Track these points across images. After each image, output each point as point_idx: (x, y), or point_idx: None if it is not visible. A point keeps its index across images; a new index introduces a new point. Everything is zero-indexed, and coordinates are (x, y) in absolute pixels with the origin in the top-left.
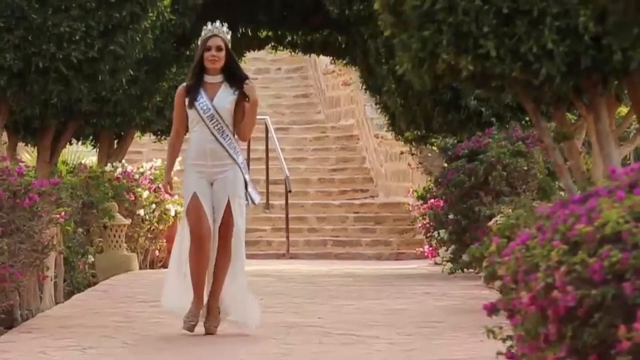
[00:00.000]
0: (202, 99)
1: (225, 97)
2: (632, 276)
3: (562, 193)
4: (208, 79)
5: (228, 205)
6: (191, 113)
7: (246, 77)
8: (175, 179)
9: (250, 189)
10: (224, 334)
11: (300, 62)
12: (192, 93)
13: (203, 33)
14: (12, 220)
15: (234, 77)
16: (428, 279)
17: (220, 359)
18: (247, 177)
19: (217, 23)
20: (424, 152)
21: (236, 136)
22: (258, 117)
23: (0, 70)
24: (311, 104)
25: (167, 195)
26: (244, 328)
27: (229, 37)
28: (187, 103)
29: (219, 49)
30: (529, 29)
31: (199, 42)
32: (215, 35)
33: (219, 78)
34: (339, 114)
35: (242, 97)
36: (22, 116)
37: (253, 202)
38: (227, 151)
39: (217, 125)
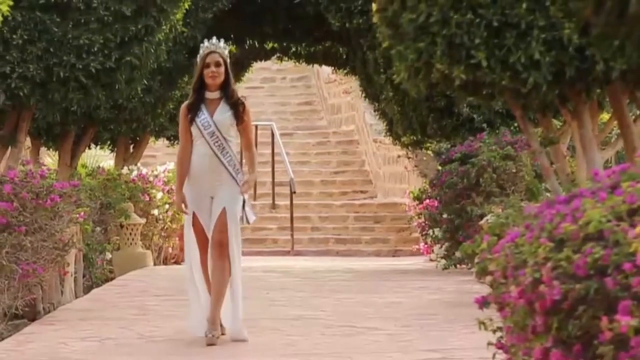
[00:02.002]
0: (204, 115)
1: (225, 113)
2: (614, 271)
3: (548, 194)
4: (208, 95)
5: (223, 212)
6: (193, 130)
7: (241, 101)
8: None
9: (247, 208)
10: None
11: (304, 72)
12: (193, 110)
13: (201, 51)
14: (35, 219)
15: (230, 97)
16: (423, 274)
17: (229, 349)
18: (245, 196)
19: (214, 39)
20: (420, 156)
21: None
22: (264, 122)
23: (24, 80)
24: (314, 110)
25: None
26: (236, 336)
27: (226, 52)
28: (188, 120)
29: (217, 64)
30: (518, 40)
31: (198, 60)
32: (213, 52)
33: (218, 94)
34: (340, 120)
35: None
36: (44, 122)
37: (247, 221)
38: (227, 168)
39: (217, 141)
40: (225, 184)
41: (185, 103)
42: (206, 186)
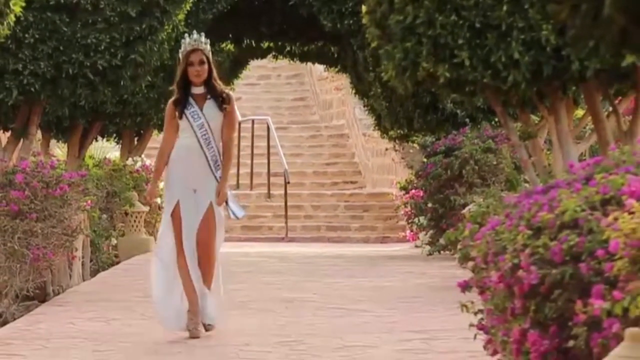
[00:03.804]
0: (193, 108)
1: (212, 106)
2: (587, 258)
3: (526, 185)
4: (194, 90)
5: (210, 207)
6: (182, 123)
7: (226, 94)
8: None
9: (231, 204)
10: (229, 309)
11: (298, 70)
12: (181, 104)
13: (183, 47)
14: (45, 207)
15: (215, 91)
16: (409, 260)
17: (226, 330)
18: (229, 192)
19: (195, 35)
20: (406, 149)
21: (221, 148)
22: (260, 117)
23: (35, 76)
24: (307, 106)
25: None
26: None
27: (208, 47)
28: (177, 114)
29: (201, 62)
30: (498, 41)
31: (181, 56)
32: (196, 49)
33: (203, 89)
34: (332, 115)
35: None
36: (54, 116)
37: (236, 216)
38: (208, 162)
39: (205, 134)
40: (207, 181)
41: (172, 99)
42: (189, 179)
